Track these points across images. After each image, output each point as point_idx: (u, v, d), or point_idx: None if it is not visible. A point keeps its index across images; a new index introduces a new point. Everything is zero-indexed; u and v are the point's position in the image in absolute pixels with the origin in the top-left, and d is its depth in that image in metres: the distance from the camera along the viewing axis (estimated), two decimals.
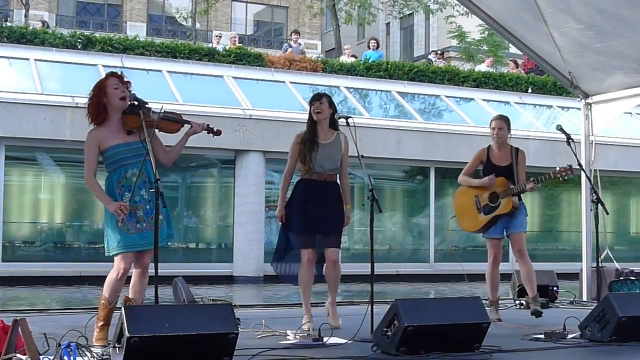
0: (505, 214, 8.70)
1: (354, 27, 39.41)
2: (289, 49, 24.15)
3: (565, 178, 8.63)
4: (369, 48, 24.81)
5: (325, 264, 8.12)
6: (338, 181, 8.12)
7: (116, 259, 6.60)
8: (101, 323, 6.68)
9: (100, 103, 6.63)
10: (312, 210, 7.90)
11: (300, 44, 24.98)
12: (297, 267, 8.17)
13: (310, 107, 8.09)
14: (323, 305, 8.53)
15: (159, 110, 6.68)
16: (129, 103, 6.67)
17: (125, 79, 6.80)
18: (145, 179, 6.62)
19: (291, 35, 26.44)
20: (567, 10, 9.66)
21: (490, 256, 8.85)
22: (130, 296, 6.78)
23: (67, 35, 20.88)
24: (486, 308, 8.38)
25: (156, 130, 6.69)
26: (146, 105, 6.66)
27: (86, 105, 6.73)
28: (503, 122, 8.90)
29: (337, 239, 8.03)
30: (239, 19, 46.09)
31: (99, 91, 6.65)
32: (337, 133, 8.04)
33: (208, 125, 6.91)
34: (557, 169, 8.63)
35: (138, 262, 6.73)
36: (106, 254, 6.68)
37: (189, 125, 6.82)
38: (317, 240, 8.00)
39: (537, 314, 8.64)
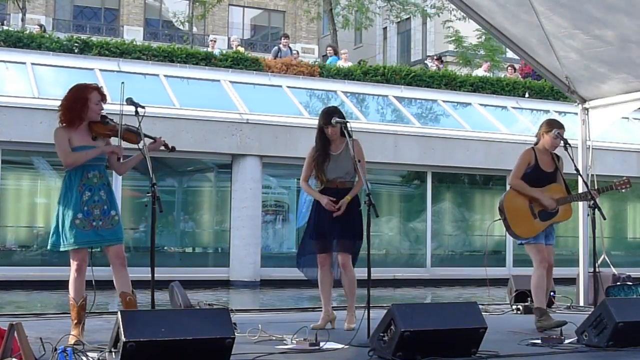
0: (561, 221, 8.65)
1: (351, 32, 39.39)
2: (279, 53, 24.32)
3: (623, 190, 8.71)
4: (328, 55, 25.42)
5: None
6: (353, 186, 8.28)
7: (71, 256, 6.96)
8: (75, 322, 6.99)
9: (79, 111, 6.97)
10: (325, 217, 8.16)
11: (290, 49, 25.08)
12: (315, 271, 8.48)
13: (324, 127, 8.20)
14: (321, 310, 8.54)
15: (116, 118, 6.99)
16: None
17: (104, 93, 7.15)
18: (104, 182, 7.03)
19: (281, 38, 26.54)
20: (564, 16, 9.66)
21: (542, 261, 8.54)
22: (118, 289, 6.97)
23: (64, 39, 20.87)
24: (540, 319, 8.36)
25: (114, 140, 7.10)
26: (143, 111, 6.88)
27: (60, 107, 7.07)
28: (564, 132, 8.76)
29: (348, 244, 8.15)
30: (236, 23, 46.13)
31: (81, 101, 6.99)
32: (346, 141, 8.08)
33: (165, 141, 7.26)
34: (617, 181, 8.74)
35: (110, 258, 7.01)
36: (49, 248, 7.07)
37: (151, 140, 7.17)
38: (334, 245, 8.23)
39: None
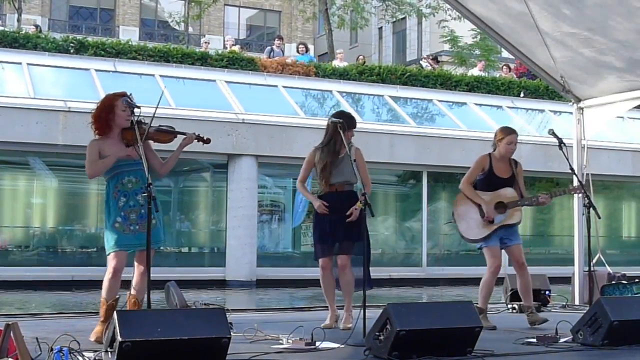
0: (510, 225, 8.69)
1: (346, 32, 39.41)
2: (272, 53, 24.39)
3: (579, 194, 8.77)
4: (298, 53, 25.31)
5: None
6: (352, 189, 8.33)
7: (109, 258, 7.03)
8: (101, 319, 7.04)
9: (107, 119, 7.08)
10: (326, 221, 8.23)
11: (282, 50, 25.19)
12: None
13: (342, 130, 8.04)
14: (319, 310, 8.59)
15: (149, 120, 7.02)
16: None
17: (133, 102, 7.14)
18: (142, 186, 6.99)
19: (274, 40, 26.66)
20: (559, 15, 9.68)
21: (493, 266, 8.61)
22: (132, 293, 7.10)
23: (60, 39, 20.86)
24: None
25: (152, 143, 7.28)
26: (139, 112, 6.97)
27: (92, 117, 7.15)
28: (517, 137, 8.88)
29: (348, 245, 8.21)
30: (231, 23, 46.07)
31: (108, 109, 7.11)
32: (348, 146, 8.10)
33: (198, 134, 7.36)
34: (571, 187, 8.81)
35: (140, 263, 7.10)
36: (107, 254, 7.11)
37: (183, 136, 7.28)
38: (335, 248, 8.29)
39: (539, 322, 8.61)
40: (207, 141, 7.40)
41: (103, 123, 7.06)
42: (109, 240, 7.00)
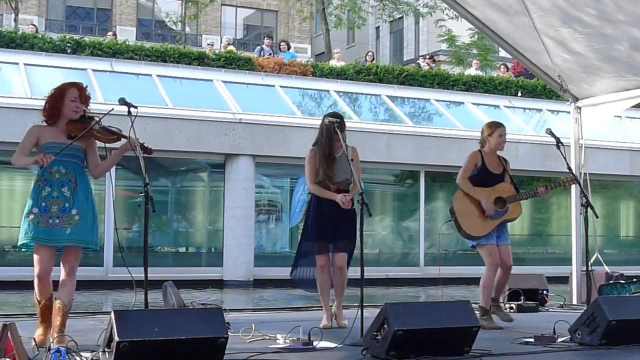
0: (511, 219, 8.71)
1: (343, 31, 39.41)
2: (262, 52, 24.44)
3: (571, 185, 8.78)
4: (280, 50, 25.45)
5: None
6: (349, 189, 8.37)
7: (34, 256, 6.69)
8: (39, 320, 6.85)
9: (56, 106, 6.93)
10: (326, 218, 8.25)
11: (272, 50, 25.27)
12: (311, 271, 8.64)
13: (336, 129, 8.07)
14: (316, 309, 8.60)
15: (99, 120, 6.85)
16: (81, 115, 6.93)
17: (87, 93, 7.02)
18: (71, 179, 6.77)
19: (263, 39, 26.73)
20: (557, 14, 9.67)
21: (492, 264, 8.59)
22: (55, 295, 6.75)
23: (57, 39, 20.86)
24: (482, 318, 8.40)
25: (97, 143, 6.96)
26: (136, 112, 6.76)
27: (44, 103, 7.01)
28: (505, 130, 8.90)
29: (345, 245, 8.30)
30: (228, 23, 46.09)
31: (58, 96, 6.93)
32: (345, 145, 8.13)
33: (142, 143, 6.82)
34: (564, 178, 8.86)
35: (63, 262, 6.75)
36: (18, 244, 6.81)
37: (126, 140, 6.85)
38: (330, 247, 8.37)
39: (505, 319, 8.69)
40: (149, 151, 6.92)
41: (52, 110, 6.91)
42: (22, 230, 6.67)
